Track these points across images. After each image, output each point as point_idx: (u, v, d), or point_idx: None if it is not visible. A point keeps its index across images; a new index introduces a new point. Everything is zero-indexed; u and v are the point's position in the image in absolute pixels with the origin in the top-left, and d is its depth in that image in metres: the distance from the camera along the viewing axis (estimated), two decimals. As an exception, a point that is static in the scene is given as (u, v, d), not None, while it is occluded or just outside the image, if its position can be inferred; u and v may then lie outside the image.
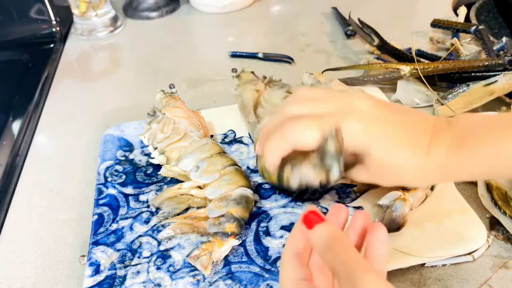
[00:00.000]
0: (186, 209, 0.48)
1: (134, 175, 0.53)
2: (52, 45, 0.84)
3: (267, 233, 0.44)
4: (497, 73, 0.58)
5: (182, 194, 0.48)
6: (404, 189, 0.45)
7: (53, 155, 0.60)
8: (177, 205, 0.48)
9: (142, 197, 0.50)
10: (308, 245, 0.32)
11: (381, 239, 0.30)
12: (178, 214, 0.47)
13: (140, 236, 0.46)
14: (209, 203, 0.46)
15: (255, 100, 0.56)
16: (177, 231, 0.45)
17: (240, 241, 0.43)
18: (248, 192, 0.46)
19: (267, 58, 0.76)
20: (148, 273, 0.42)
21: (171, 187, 0.49)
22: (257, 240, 0.44)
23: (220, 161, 0.49)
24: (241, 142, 0.57)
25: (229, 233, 0.42)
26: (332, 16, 0.89)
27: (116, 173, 0.53)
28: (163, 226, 0.46)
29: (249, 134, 0.58)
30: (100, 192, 0.51)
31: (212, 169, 0.48)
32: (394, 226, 0.42)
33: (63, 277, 0.45)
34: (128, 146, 0.57)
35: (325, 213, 0.46)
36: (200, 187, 0.48)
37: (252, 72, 0.60)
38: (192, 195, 0.48)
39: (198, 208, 0.47)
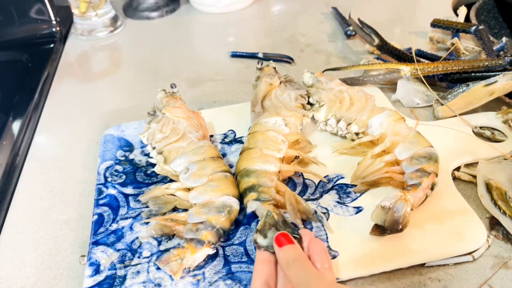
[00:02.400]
0: (175, 209, 0.48)
1: (134, 175, 0.53)
2: (52, 45, 0.84)
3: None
4: (497, 73, 0.58)
5: (169, 194, 0.48)
6: (404, 189, 0.45)
7: (53, 155, 0.60)
8: (164, 204, 0.48)
9: (142, 197, 0.50)
10: (274, 275, 0.37)
11: (319, 251, 0.38)
12: (165, 214, 0.47)
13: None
14: (192, 208, 0.46)
15: (266, 92, 0.56)
16: (158, 231, 0.45)
17: (215, 251, 0.43)
18: (233, 201, 0.45)
19: (267, 58, 0.76)
20: (148, 273, 0.42)
21: (160, 186, 0.49)
22: (257, 240, 0.44)
23: (211, 166, 0.48)
24: (241, 142, 0.57)
25: (205, 241, 0.41)
26: (332, 16, 0.89)
27: (116, 173, 0.53)
28: (146, 224, 0.46)
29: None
30: (100, 192, 0.51)
31: (201, 173, 0.47)
32: (396, 227, 0.41)
33: (63, 277, 0.45)
34: (128, 146, 0.57)
35: (325, 213, 0.46)
36: (189, 190, 0.48)
37: (274, 68, 0.60)
38: (178, 197, 0.48)
39: (184, 210, 0.47)
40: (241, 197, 0.47)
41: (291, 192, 0.46)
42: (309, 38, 0.82)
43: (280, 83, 0.58)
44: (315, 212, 0.46)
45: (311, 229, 0.45)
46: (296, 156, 0.51)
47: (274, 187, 0.46)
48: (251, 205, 0.44)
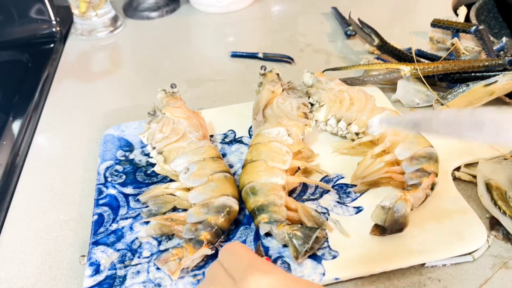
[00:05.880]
0: (174, 209, 0.48)
1: (134, 175, 0.53)
2: (52, 45, 0.84)
3: (267, 233, 0.44)
4: (497, 73, 0.58)
5: (169, 194, 0.48)
6: (404, 189, 0.45)
7: (53, 155, 0.60)
8: (163, 204, 0.48)
9: (142, 197, 0.50)
10: None
11: None
12: (164, 213, 0.47)
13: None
14: (191, 208, 0.46)
15: (268, 100, 0.55)
16: (158, 231, 0.45)
17: (214, 251, 0.43)
18: (232, 202, 0.45)
19: (267, 58, 0.76)
20: (148, 273, 0.42)
21: (160, 185, 0.49)
22: (257, 240, 0.44)
23: (211, 166, 0.48)
24: (241, 142, 0.57)
25: (203, 241, 0.41)
26: (332, 16, 0.89)
27: (116, 173, 0.53)
28: (145, 223, 0.46)
29: (249, 132, 0.58)
30: (100, 192, 0.51)
31: (201, 173, 0.47)
32: (396, 227, 0.42)
33: (63, 277, 0.45)
34: (128, 146, 0.57)
35: (324, 214, 0.46)
36: (189, 189, 0.48)
37: (278, 74, 0.59)
38: (177, 197, 0.48)
39: (184, 210, 0.47)
40: (240, 197, 0.47)
41: (303, 206, 0.45)
42: (309, 38, 0.82)
43: (282, 90, 0.57)
44: (327, 219, 0.46)
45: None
46: (298, 166, 0.50)
47: (284, 204, 0.44)
48: (264, 228, 0.43)
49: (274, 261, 0.42)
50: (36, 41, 0.85)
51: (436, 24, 0.75)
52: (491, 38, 0.68)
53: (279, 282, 0.30)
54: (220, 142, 0.57)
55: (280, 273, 0.31)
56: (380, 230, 0.42)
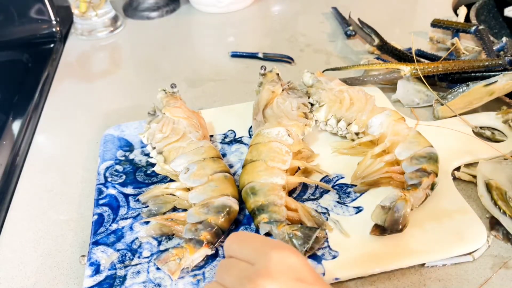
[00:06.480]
0: (174, 209, 0.48)
1: (134, 175, 0.53)
2: (52, 45, 0.84)
3: (267, 233, 0.44)
4: (497, 73, 0.58)
5: (169, 194, 0.48)
6: (404, 189, 0.45)
7: (53, 155, 0.60)
8: (163, 204, 0.48)
9: (142, 197, 0.50)
10: None
11: None
12: (164, 213, 0.47)
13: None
14: (191, 208, 0.46)
15: (268, 100, 0.55)
16: (158, 231, 0.45)
17: (214, 251, 0.43)
18: (232, 202, 0.45)
19: (267, 58, 0.76)
20: (148, 273, 0.42)
21: (160, 185, 0.49)
22: (257, 240, 0.44)
23: (211, 166, 0.48)
24: (241, 142, 0.57)
25: (204, 241, 0.41)
26: (332, 16, 0.89)
27: (116, 173, 0.53)
28: (145, 223, 0.46)
29: (249, 132, 0.58)
30: (100, 192, 0.51)
31: (201, 173, 0.47)
32: (396, 227, 0.41)
33: (63, 277, 0.45)
34: (128, 146, 0.57)
35: (324, 214, 0.46)
36: (189, 189, 0.48)
37: (278, 74, 0.59)
38: (177, 196, 0.48)
39: (184, 210, 0.47)
40: (240, 197, 0.47)
41: (303, 206, 0.45)
42: (309, 38, 0.82)
43: (282, 90, 0.57)
44: (327, 219, 0.46)
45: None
46: (298, 166, 0.50)
47: (284, 204, 0.45)
48: (264, 228, 0.43)
49: (274, 261, 0.42)
50: (36, 41, 0.85)
51: (436, 24, 0.75)
52: (491, 38, 0.68)
53: (303, 262, 0.30)
54: (220, 142, 0.57)
55: (301, 255, 0.31)
56: (380, 230, 0.42)
